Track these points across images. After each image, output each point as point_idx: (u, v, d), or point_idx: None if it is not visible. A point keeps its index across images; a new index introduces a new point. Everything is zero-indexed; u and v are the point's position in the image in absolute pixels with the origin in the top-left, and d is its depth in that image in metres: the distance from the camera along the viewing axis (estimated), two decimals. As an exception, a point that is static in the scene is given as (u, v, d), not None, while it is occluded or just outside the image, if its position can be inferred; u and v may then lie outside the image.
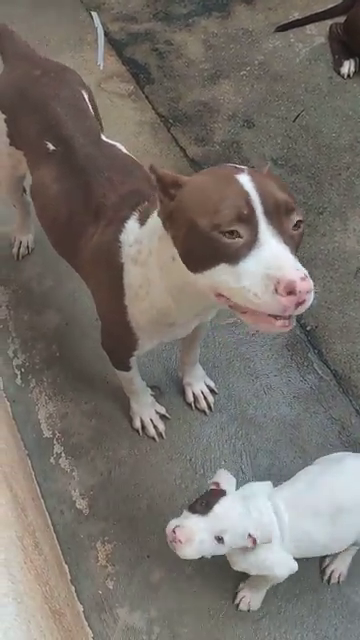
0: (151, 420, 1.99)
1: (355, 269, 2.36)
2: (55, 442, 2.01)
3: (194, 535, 1.40)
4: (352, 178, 2.60)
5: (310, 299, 1.10)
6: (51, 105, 1.68)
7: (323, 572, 1.78)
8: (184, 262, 1.23)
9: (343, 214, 2.50)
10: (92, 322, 2.17)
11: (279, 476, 1.94)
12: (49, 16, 3.16)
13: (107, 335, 1.72)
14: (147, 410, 2.00)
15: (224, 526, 1.42)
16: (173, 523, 1.43)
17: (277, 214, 1.13)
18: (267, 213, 1.12)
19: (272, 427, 2.04)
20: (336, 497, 1.54)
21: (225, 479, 1.58)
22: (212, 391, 2.07)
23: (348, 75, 2.89)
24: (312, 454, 1.98)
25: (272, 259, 1.09)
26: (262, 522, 1.49)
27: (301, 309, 1.09)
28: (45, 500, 1.90)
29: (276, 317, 1.12)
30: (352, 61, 2.89)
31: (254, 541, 1.47)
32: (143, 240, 1.39)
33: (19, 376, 2.15)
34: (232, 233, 1.12)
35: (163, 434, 2.00)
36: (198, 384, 2.06)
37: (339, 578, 1.77)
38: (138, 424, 2.00)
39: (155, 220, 1.31)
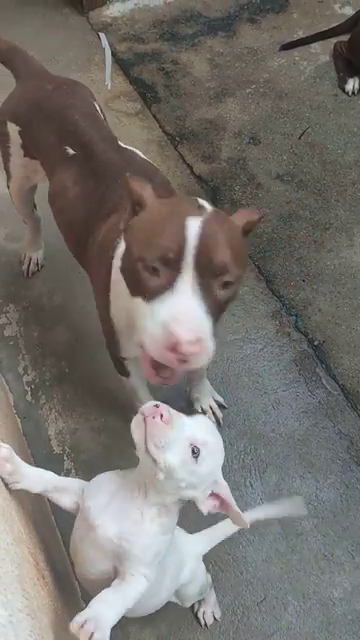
0: None
1: (362, 284, 2.37)
2: (65, 458, 2.02)
3: (180, 419, 1.12)
4: (358, 194, 2.62)
5: (198, 362, 1.15)
6: (69, 113, 1.73)
7: (197, 618, 1.75)
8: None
9: (349, 230, 2.52)
10: (102, 338, 2.19)
11: (288, 491, 1.95)
12: (57, 37, 3.21)
13: (104, 335, 1.72)
14: None
15: (204, 437, 1.14)
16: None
17: (206, 270, 1.15)
18: (197, 265, 1.15)
19: (281, 442, 2.04)
20: None
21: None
22: (221, 406, 2.08)
23: (353, 92, 2.93)
24: (321, 469, 1.99)
25: (176, 310, 1.14)
26: None
27: (186, 367, 1.16)
28: (55, 517, 1.91)
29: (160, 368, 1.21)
30: (356, 79, 2.93)
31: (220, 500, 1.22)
32: None
33: (29, 393, 2.17)
34: (153, 270, 1.16)
35: None
36: (206, 399, 2.07)
37: (214, 616, 1.74)
38: None
39: None
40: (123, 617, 1.77)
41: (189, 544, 1.52)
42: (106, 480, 1.24)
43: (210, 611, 1.74)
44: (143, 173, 1.65)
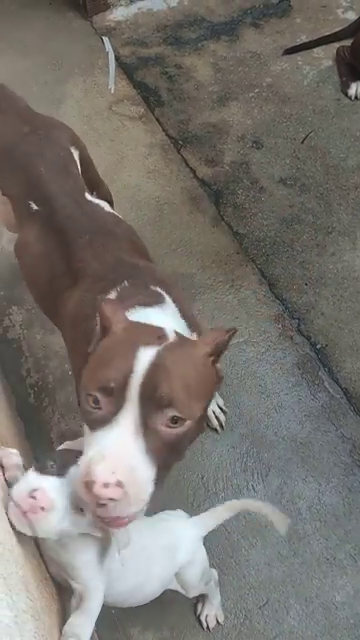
0: None
1: (364, 288, 2.37)
2: (68, 460, 2.02)
3: (56, 501, 1.05)
4: (360, 198, 2.63)
5: (120, 510, 1.01)
6: (34, 164, 1.69)
7: (199, 621, 1.76)
8: None
9: (352, 233, 2.52)
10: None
11: (291, 495, 1.95)
12: (61, 41, 3.22)
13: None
14: None
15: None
16: (24, 486, 1.05)
17: (150, 403, 1.05)
18: (142, 399, 1.05)
19: (283, 446, 2.04)
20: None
21: (75, 442, 1.28)
22: (222, 409, 2.08)
23: (355, 97, 2.93)
24: (324, 473, 1.99)
25: (105, 447, 1.02)
26: None
27: (106, 513, 1.01)
28: (58, 518, 1.91)
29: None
30: (359, 83, 2.93)
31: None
32: None
33: (32, 395, 2.17)
34: (94, 400, 1.07)
35: None
36: (208, 403, 2.06)
37: (217, 620, 1.75)
38: None
39: None
40: (125, 619, 1.78)
41: (184, 527, 1.53)
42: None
43: (213, 614, 1.74)
44: (105, 227, 1.63)
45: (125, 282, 1.46)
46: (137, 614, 1.76)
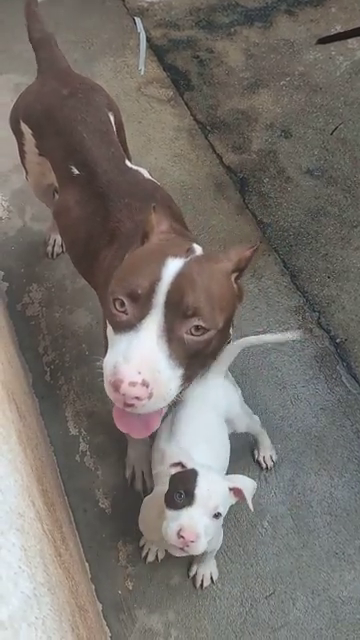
0: (142, 473, 1.93)
1: (388, 284, 2.35)
2: (81, 440, 2.03)
3: (199, 528, 1.29)
4: (388, 193, 2.59)
5: (147, 407, 1.08)
6: (77, 130, 1.70)
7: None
8: None
9: (378, 228, 2.49)
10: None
11: (302, 487, 1.94)
12: (94, 20, 3.19)
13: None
14: (142, 461, 1.91)
15: (215, 502, 1.34)
16: (172, 527, 1.30)
17: (176, 311, 1.11)
18: (168, 306, 1.10)
19: (297, 438, 2.03)
20: None
21: (183, 455, 1.44)
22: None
23: (388, 90, 2.89)
24: (337, 467, 1.98)
25: (131, 348, 1.08)
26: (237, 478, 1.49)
27: (135, 411, 1.09)
28: (69, 497, 1.91)
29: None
30: (393, 76, 2.90)
31: (239, 492, 1.44)
32: None
33: (48, 373, 2.17)
34: (121, 304, 1.12)
35: (148, 491, 1.80)
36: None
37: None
38: (129, 473, 1.95)
39: None
40: (131, 601, 1.78)
41: (211, 381, 1.69)
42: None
43: (268, 455, 1.96)
44: (144, 192, 1.64)
45: None
46: (143, 596, 1.77)
